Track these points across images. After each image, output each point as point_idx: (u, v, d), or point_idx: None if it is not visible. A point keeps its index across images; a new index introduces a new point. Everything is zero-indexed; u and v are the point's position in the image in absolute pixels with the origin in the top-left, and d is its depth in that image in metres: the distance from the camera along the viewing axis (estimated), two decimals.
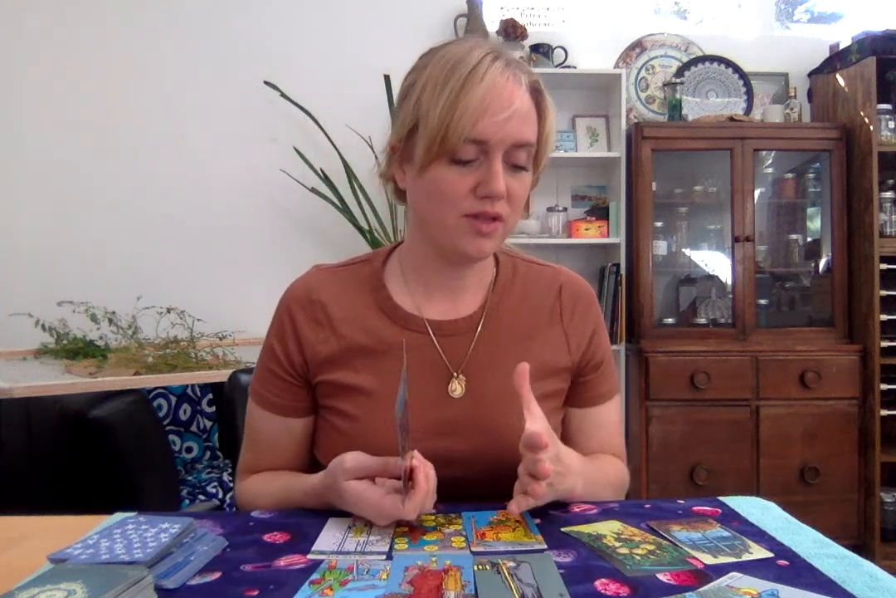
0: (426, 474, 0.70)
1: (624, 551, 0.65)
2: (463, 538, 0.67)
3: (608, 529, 0.71)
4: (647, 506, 0.78)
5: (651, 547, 0.65)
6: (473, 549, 0.64)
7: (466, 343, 0.88)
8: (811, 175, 2.75)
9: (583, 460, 0.81)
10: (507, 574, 0.58)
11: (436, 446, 0.81)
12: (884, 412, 2.44)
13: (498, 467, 0.82)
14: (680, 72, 2.82)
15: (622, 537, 0.68)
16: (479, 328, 0.88)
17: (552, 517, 0.74)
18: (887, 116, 2.50)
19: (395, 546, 0.65)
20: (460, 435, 0.83)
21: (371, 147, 2.36)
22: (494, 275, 0.93)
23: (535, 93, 0.80)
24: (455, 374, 0.86)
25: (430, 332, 0.87)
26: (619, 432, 0.98)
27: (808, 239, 2.82)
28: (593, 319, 0.94)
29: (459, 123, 0.74)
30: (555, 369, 0.89)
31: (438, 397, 0.85)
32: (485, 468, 0.82)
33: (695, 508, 0.78)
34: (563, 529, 0.70)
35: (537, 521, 0.72)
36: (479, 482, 0.82)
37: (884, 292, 2.45)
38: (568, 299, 0.93)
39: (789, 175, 2.74)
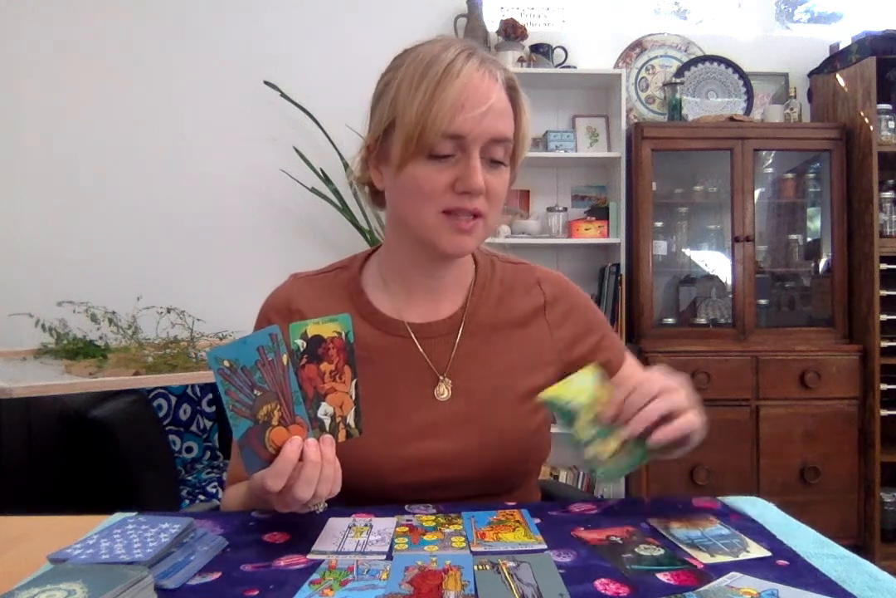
0: (305, 447, 0.65)
1: (598, 448, 0.70)
2: (463, 538, 0.67)
3: (585, 397, 0.73)
4: (646, 503, 0.79)
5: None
6: (473, 549, 0.64)
7: (449, 345, 0.87)
8: (811, 175, 2.75)
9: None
10: (507, 574, 0.58)
11: (421, 449, 0.82)
12: (884, 412, 2.44)
13: (483, 466, 0.83)
14: (680, 72, 2.82)
15: (597, 409, 0.72)
16: (461, 329, 0.88)
17: (552, 517, 0.74)
18: (887, 116, 2.50)
19: (395, 546, 0.65)
20: (446, 437, 0.83)
21: None
22: (474, 275, 0.93)
23: (511, 90, 0.81)
24: (441, 377, 0.86)
25: (412, 335, 0.87)
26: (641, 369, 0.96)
27: (808, 239, 2.82)
28: (575, 303, 0.94)
29: (436, 119, 0.75)
30: (540, 363, 0.89)
31: (424, 401, 0.85)
32: (470, 468, 0.82)
33: (695, 503, 0.78)
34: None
35: (537, 521, 0.72)
36: (465, 483, 0.82)
37: (884, 292, 2.45)
38: (548, 290, 0.93)
39: (789, 175, 2.74)
